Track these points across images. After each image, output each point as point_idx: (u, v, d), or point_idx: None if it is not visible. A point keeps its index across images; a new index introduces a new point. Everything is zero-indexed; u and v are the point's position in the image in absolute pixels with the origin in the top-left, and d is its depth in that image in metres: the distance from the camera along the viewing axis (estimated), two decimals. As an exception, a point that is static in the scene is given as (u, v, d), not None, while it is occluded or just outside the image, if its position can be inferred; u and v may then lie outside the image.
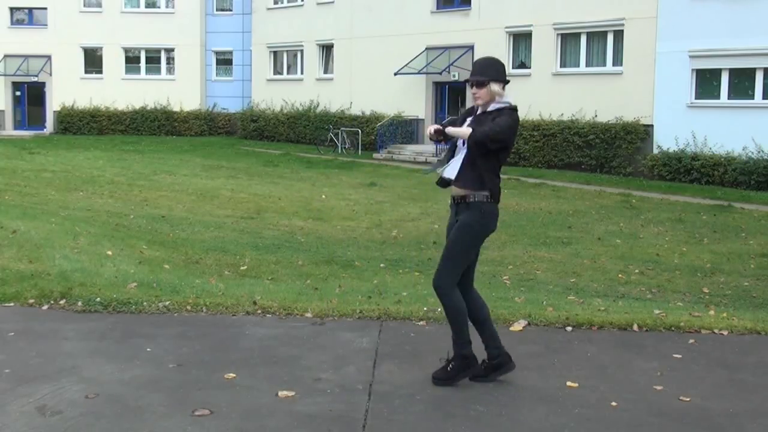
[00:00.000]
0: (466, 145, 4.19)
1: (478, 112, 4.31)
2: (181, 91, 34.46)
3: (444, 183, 4.30)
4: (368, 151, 27.17)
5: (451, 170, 4.25)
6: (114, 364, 4.52)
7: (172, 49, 34.87)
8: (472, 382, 4.33)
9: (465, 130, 4.17)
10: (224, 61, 35.43)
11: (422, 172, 4.27)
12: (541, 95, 22.88)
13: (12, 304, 5.79)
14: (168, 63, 35.28)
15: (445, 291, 4.21)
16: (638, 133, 20.77)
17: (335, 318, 5.56)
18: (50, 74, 34.54)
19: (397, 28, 26.83)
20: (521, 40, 24.07)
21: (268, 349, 4.84)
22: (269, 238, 11.24)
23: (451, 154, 4.33)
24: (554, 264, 9.82)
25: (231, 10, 35.03)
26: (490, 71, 4.23)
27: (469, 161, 4.19)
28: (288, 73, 32.95)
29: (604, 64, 22.16)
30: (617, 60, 21.79)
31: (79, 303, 5.77)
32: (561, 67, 23.05)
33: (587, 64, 22.55)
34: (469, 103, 25.04)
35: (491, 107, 4.24)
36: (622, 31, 21.36)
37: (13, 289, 6.07)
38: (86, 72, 34.95)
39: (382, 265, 9.31)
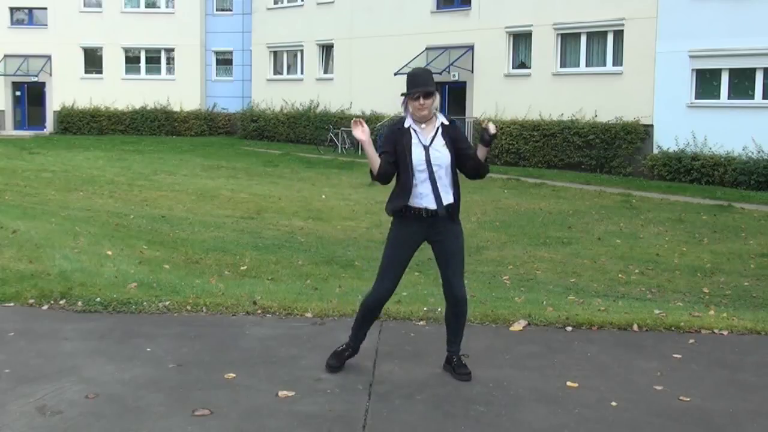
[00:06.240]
0: (450, 168, 4.28)
1: (424, 126, 4.30)
2: (181, 91, 34.43)
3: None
4: (368, 151, 27.13)
5: (448, 195, 4.32)
6: (114, 364, 4.52)
7: (172, 49, 34.86)
8: (473, 382, 4.34)
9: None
10: (224, 61, 35.40)
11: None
12: (540, 95, 22.88)
13: (12, 304, 5.80)
14: (168, 63, 35.26)
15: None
16: (638, 133, 20.76)
17: (335, 318, 5.56)
18: (50, 74, 34.52)
19: (397, 28, 26.82)
20: (521, 40, 24.05)
21: (268, 349, 4.84)
22: (269, 238, 11.23)
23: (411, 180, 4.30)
24: (554, 264, 9.82)
25: (231, 10, 35.00)
26: (433, 83, 4.33)
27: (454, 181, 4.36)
28: (288, 73, 32.93)
29: (604, 64, 22.15)
30: (617, 60, 21.77)
31: (79, 303, 5.77)
32: (561, 67, 23.03)
33: (587, 64, 22.52)
34: (471, 103, 25.09)
35: (440, 119, 4.33)
36: (622, 31, 21.34)
37: (13, 289, 6.07)
38: (86, 72, 34.92)
39: (382, 265, 9.29)
